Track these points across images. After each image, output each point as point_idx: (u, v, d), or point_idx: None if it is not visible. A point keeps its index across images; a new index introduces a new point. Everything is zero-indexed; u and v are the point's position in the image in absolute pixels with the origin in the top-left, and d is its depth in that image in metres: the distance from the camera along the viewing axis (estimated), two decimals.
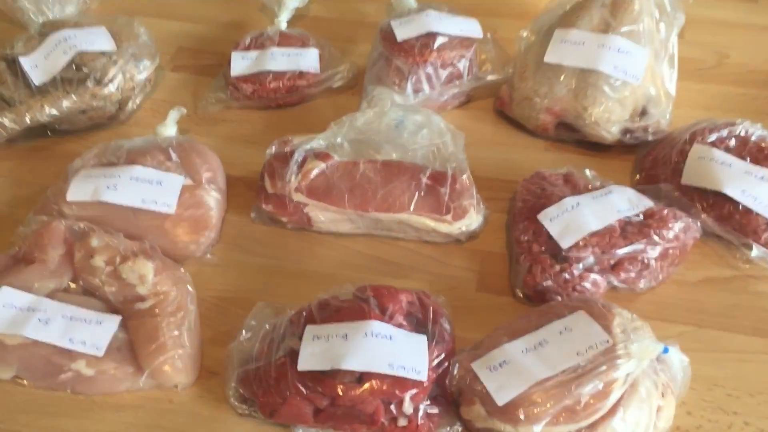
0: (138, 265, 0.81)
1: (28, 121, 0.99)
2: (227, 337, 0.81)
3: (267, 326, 0.79)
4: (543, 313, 0.77)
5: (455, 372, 0.74)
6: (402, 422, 0.71)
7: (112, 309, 0.81)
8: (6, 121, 0.99)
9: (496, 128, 1.07)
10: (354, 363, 0.71)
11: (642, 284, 0.85)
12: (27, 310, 0.78)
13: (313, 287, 0.86)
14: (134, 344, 0.78)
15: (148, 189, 0.89)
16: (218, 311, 0.85)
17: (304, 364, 0.72)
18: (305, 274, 0.89)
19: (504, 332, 0.76)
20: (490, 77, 1.07)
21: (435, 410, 0.73)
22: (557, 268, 0.83)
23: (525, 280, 0.84)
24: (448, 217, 0.89)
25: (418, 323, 0.77)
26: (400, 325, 0.75)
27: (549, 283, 0.83)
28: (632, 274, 0.84)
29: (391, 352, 0.72)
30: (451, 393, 0.74)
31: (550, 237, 0.85)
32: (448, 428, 0.73)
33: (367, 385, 0.71)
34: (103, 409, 0.76)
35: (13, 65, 1.03)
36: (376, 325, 0.74)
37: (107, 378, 0.76)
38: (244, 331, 0.79)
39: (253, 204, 0.94)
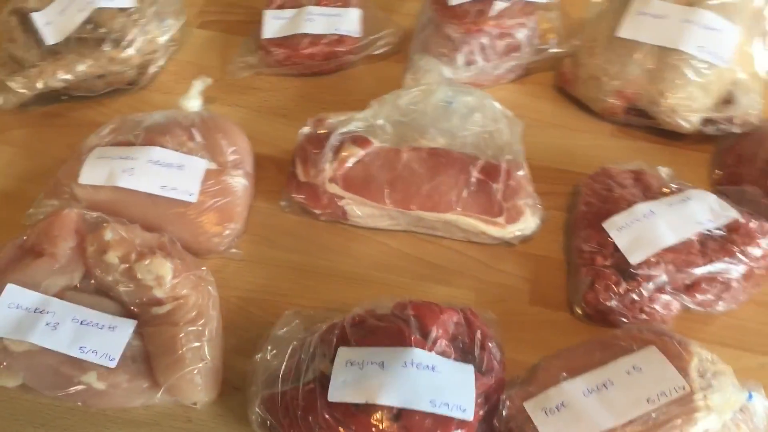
0: (155, 264, 0.73)
1: (40, 87, 0.90)
2: (252, 347, 0.73)
3: (295, 342, 0.71)
4: (607, 344, 0.68)
5: (505, 411, 0.65)
6: None
7: (126, 311, 0.73)
8: (16, 86, 0.90)
9: (555, 108, 0.96)
10: (392, 398, 0.63)
11: (720, 307, 0.75)
12: (34, 311, 0.71)
13: (346, 290, 0.79)
14: (150, 354, 0.70)
15: (168, 174, 0.80)
16: (243, 315, 0.77)
17: (336, 394, 0.64)
18: (338, 274, 0.81)
19: (561, 365, 0.67)
20: (552, 50, 0.95)
21: None
22: (624, 286, 0.73)
23: (586, 297, 0.75)
24: (501, 219, 0.79)
25: (464, 348, 0.69)
26: (443, 353, 0.67)
27: (613, 303, 0.73)
28: (710, 296, 0.74)
29: (434, 385, 0.64)
30: None
31: (616, 249, 0.75)
32: None
33: (405, 424, 0.63)
34: (116, 424, 0.70)
35: (26, 21, 0.93)
36: (418, 354, 0.65)
37: (120, 392, 0.69)
38: (270, 345, 0.71)
39: (284, 190, 0.85)
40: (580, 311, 0.76)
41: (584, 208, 0.80)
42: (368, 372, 0.65)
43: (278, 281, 0.80)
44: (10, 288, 0.72)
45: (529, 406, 0.64)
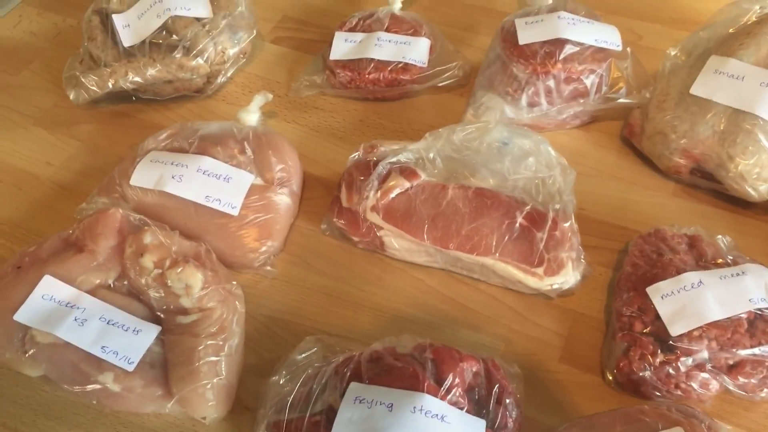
0: (186, 273, 0.73)
1: (110, 86, 0.93)
2: (270, 367, 0.73)
3: (310, 370, 0.70)
4: (632, 418, 0.64)
5: None
6: None
7: (153, 316, 0.74)
8: (89, 83, 0.94)
9: (619, 159, 0.92)
10: None
11: (764, 393, 0.69)
12: (66, 305, 0.73)
13: (373, 322, 0.78)
14: (168, 363, 0.71)
15: (215, 185, 0.81)
16: (267, 334, 0.77)
17: (340, 431, 0.63)
18: (368, 305, 0.80)
19: None
20: (621, 100, 0.91)
21: None
22: (661, 357, 0.69)
23: (619, 363, 0.71)
24: (540, 270, 0.76)
25: (479, 401, 0.66)
26: (456, 403, 0.65)
27: (647, 374, 0.69)
28: (754, 380, 0.69)
29: None
30: None
31: (658, 317, 0.71)
32: None
33: None
34: (127, 428, 0.71)
35: (106, 21, 0.97)
36: (428, 401, 0.63)
37: (133, 397, 0.70)
38: (285, 369, 0.70)
39: (326, 214, 0.85)
40: (611, 377, 0.72)
41: (629, 269, 0.76)
42: (376, 412, 0.63)
43: (307, 304, 0.80)
44: (47, 279, 0.74)
45: None
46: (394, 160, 0.82)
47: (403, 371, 0.66)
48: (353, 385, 0.66)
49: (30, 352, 0.71)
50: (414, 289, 0.81)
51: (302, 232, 0.85)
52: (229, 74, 0.99)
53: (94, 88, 0.93)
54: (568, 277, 0.76)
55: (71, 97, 0.96)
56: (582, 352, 0.75)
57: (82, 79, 0.94)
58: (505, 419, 0.65)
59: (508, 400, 0.66)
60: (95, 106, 0.98)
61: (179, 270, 0.73)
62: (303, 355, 0.73)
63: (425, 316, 0.79)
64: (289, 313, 0.79)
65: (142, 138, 0.92)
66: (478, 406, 0.66)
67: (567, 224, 0.78)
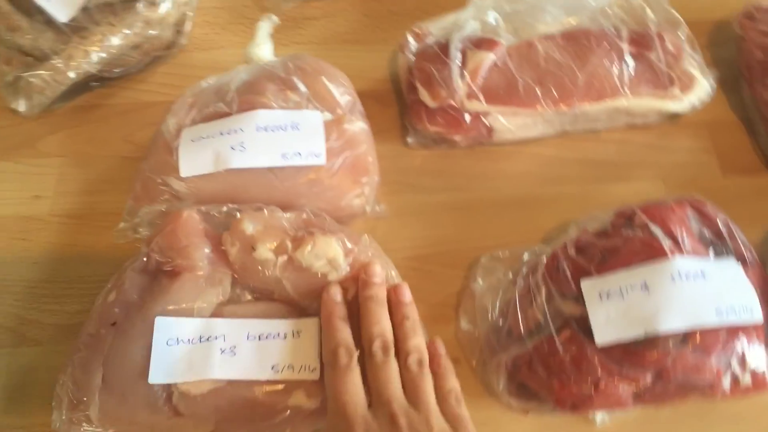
0: (321, 246, 0.60)
1: (74, 76, 0.73)
2: (445, 309, 0.63)
3: (502, 291, 0.61)
4: None
5: None
6: (746, 379, 0.55)
7: (299, 311, 0.61)
8: (41, 83, 0.72)
9: None
10: (674, 321, 0.54)
11: None
12: (201, 341, 0.58)
13: (521, 216, 0.69)
14: None
15: (285, 138, 0.66)
16: (421, 277, 0.66)
17: (604, 335, 0.55)
18: (503, 201, 0.70)
19: None
20: None
21: None
22: None
23: None
24: (675, 90, 0.69)
25: (713, 243, 0.59)
26: (700, 252, 0.58)
27: None
28: None
29: (711, 293, 0.55)
30: None
31: None
32: None
33: (699, 345, 0.54)
34: None
35: (19, 2, 0.75)
36: (683, 263, 0.56)
37: None
38: (468, 304, 0.60)
39: (410, 123, 0.72)
40: None
41: (760, 54, 0.70)
42: (633, 300, 0.55)
43: (441, 228, 0.69)
44: (161, 322, 0.58)
45: None
46: (463, 36, 0.70)
47: (630, 246, 0.58)
48: (584, 282, 0.57)
49: (189, 412, 0.56)
50: (539, 166, 0.72)
51: (386, 156, 0.72)
52: (191, 15, 0.81)
53: (55, 84, 0.73)
54: (703, 86, 0.70)
55: (22, 108, 0.74)
56: (739, 157, 0.71)
57: (31, 81, 0.72)
58: (741, 249, 0.59)
59: (735, 231, 0.60)
60: (50, 111, 0.77)
61: (309, 247, 0.60)
62: (482, 282, 0.63)
63: (567, 188, 0.70)
64: (428, 246, 0.68)
65: (133, 125, 0.75)
66: (715, 249, 0.59)
67: (675, 34, 0.70)
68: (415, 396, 0.51)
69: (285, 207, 0.64)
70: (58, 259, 0.67)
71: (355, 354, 0.53)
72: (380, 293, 0.57)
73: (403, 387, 0.52)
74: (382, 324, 0.55)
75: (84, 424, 0.55)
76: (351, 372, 0.52)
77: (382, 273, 0.59)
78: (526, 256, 0.63)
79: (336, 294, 0.57)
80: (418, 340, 0.55)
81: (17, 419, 0.58)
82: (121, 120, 0.76)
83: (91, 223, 0.70)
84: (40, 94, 0.73)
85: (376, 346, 0.53)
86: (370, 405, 0.52)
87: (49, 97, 0.74)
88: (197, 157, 0.65)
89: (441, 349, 0.57)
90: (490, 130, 0.70)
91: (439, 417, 0.51)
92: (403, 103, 0.76)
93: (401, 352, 0.54)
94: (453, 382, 0.54)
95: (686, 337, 0.54)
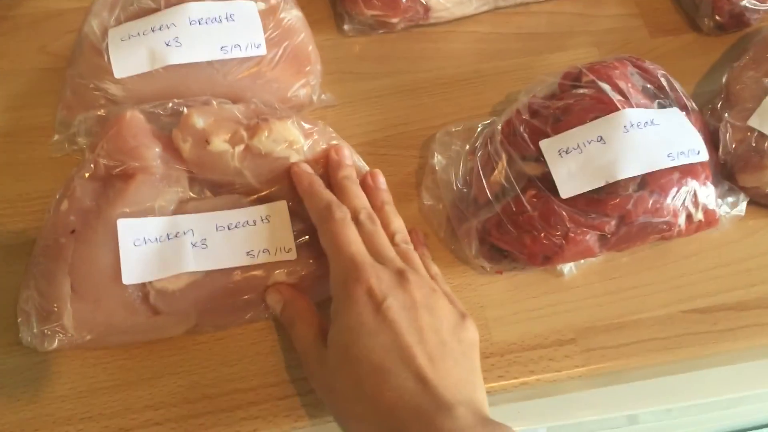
0: (278, 129, 0.58)
1: None
2: (405, 188, 0.64)
3: (462, 163, 0.62)
4: None
5: (728, 138, 0.61)
6: (699, 216, 0.59)
7: (262, 200, 0.60)
8: None
9: None
10: (631, 168, 0.57)
11: None
12: (169, 237, 0.56)
13: (467, 93, 0.70)
14: None
15: (222, 30, 0.64)
16: (375, 160, 0.65)
17: (568, 189, 0.57)
18: (447, 80, 0.70)
19: (751, 69, 0.63)
20: None
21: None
22: None
23: (717, 4, 0.69)
24: None
25: (655, 95, 0.62)
26: (646, 105, 0.60)
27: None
28: None
29: (662, 139, 0.58)
30: (721, 164, 0.62)
31: None
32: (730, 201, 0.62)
33: (654, 188, 0.57)
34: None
35: None
36: (633, 114, 0.58)
37: (315, 281, 0.57)
38: (437, 166, 0.62)
39: (345, 11, 0.71)
40: (711, 23, 0.71)
41: None
42: (591, 152, 0.58)
43: (389, 112, 0.68)
44: (123, 224, 0.56)
45: (754, 121, 0.60)
46: None
47: (581, 104, 0.60)
48: (543, 143, 0.59)
49: (168, 309, 0.55)
50: (477, 42, 0.72)
51: (324, 46, 0.70)
52: None
53: None
54: None
55: None
56: (665, 19, 0.74)
57: None
58: (682, 99, 0.63)
59: (674, 83, 0.63)
60: None
61: (266, 133, 0.58)
62: (440, 157, 0.63)
63: (508, 62, 0.71)
64: (381, 129, 0.68)
65: (46, 36, 0.72)
66: (658, 100, 0.62)
67: None
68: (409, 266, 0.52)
69: (231, 102, 0.63)
70: None
71: (348, 211, 0.53)
72: (353, 173, 0.57)
73: None
74: (361, 199, 0.55)
75: (59, 334, 0.53)
76: (350, 225, 0.52)
77: (350, 156, 0.59)
78: (480, 128, 0.64)
79: (307, 167, 0.57)
80: (399, 222, 0.56)
81: None
82: (32, 31, 0.71)
83: (19, 140, 0.65)
84: None
85: (363, 216, 0.53)
86: None
87: None
88: (130, 57, 0.62)
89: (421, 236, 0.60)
90: (426, 8, 0.70)
91: (434, 284, 0.51)
92: None
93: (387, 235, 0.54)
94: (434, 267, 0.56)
95: (643, 181, 0.57)
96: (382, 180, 0.59)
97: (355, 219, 0.53)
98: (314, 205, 0.54)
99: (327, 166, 0.59)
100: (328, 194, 0.55)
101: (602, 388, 0.58)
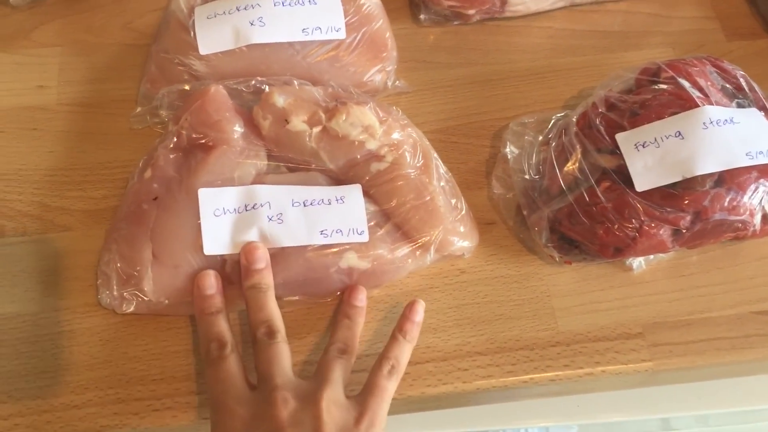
0: (356, 114, 0.60)
1: None
2: (475, 176, 0.64)
3: (535, 153, 0.63)
4: None
5: None
6: None
7: (335, 179, 0.61)
8: None
9: None
10: (709, 164, 0.56)
11: None
12: (245, 209, 0.57)
13: (539, 87, 0.70)
14: (393, 215, 0.59)
15: (304, 13, 0.65)
16: (446, 147, 0.66)
17: (643, 182, 0.57)
18: (520, 74, 0.71)
19: None
20: None
21: None
22: None
23: None
24: None
25: (734, 95, 0.62)
26: (724, 103, 0.60)
27: None
28: None
29: (741, 137, 0.58)
30: None
31: None
32: None
33: (731, 186, 0.56)
34: (395, 301, 0.59)
35: None
36: (713, 111, 0.58)
37: (387, 265, 0.58)
38: (510, 156, 0.62)
39: (408, 1, 0.72)
40: None
41: None
42: (668, 147, 0.57)
43: (462, 102, 0.69)
44: (204, 193, 0.57)
45: None
46: None
47: (660, 99, 0.60)
48: (619, 136, 0.59)
49: (239, 278, 0.56)
50: (551, 39, 0.73)
51: (399, 34, 0.71)
52: None
53: None
54: None
55: None
56: (741, 23, 0.74)
57: None
58: (761, 100, 0.62)
59: (753, 84, 0.63)
60: (40, 1, 0.73)
61: (344, 116, 0.60)
62: (511, 147, 0.64)
63: (581, 58, 0.72)
64: (452, 118, 0.68)
65: (131, 13, 0.74)
66: (737, 100, 0.62)
67: None
68: (321, 373, 0.51)
69: (309, 83, 0.64)
70: (74, 147, 0.65)
71: (229, 344, 0.52)
72: (263, 280, 0.54)
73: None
74: (266, 310, 0.53)
75: (137, 297, 0.55)
76: (223, 361, 0.51)
77: (263, 257, 0.55)
78: (553, 120, 0.64)
79: (205, 288, 0.54)
80: (342, 333, 0.55)
81: (58, 301, 0.57)
82: (117, 7, 0.74)
83: (102, 111, 0.67)
84: None
85: (261, 332, 0.52)
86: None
87: None
88: (216, 34, 0.64)
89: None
90: (503, 2, 0.70)
91: (337, 387, 0.50)
92: None
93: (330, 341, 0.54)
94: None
95: (720, 179, 0.56)
96: (360, 297, 0.57)
97: (254, 336, 0.52)
98: (201, 340, 0.53)
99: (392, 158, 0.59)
100: (212, 328, 0.53)
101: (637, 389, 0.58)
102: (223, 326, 0.53)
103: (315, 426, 0.47)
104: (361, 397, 0.51)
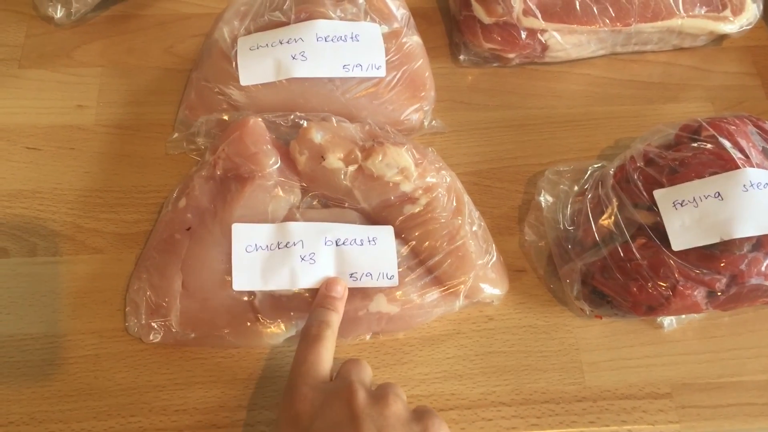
0: (392, 155, 0.60)
1: None
2: (507, 222, 0.64)
3: (570, 203, 0.62)
4: None
5: None
6: None
7: (368, 219, 0.61)
8: None
9: None
10: (748, 228, 0.56)
11: None
12: (278, 247, 0.57)
13: (576, 134, 0.70)
14: (425, 258, 0.59)
15: (346, 49, 0.65)
16: (479, 191, 0.66)
17: (680, 242, 0.56)
18: (557, 120, 0.71)
19: None
20: None
21: None
22: None
23: None
24: (727, 12, 0.70)
25: None
26: (764, 165, 0.59)
27: None
28: None
29: None
30: None
31: None
32: None
33: None
34: (422, 345, 0.59)
35: None
36: (753, 174, 0.57)
37: (415, 310, 0.58)
38: (544, 204, 0.62)
39: (462, 40, 0.72)
40: None
41: None
42: (707, 207, 0.57)
43: (497, 145, 0.69)
44: (238, 229, 0.57)
45: None
46: None
47: (700, 158, 0.59)
48: (657, 192, 0.58)
49: (268, 314, 0.56)
50: (589, 86, 0.73)
51: (437, 73, 0.71)
52: None
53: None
54: (752, 10, 0.71)
55: (58, 15, 0.71)
56: None
57: None
58: None
59: None
60: (83, 21, 0.74)
61: (380, 156, 0.60)
62: (545, 195, 0.64)
63: (619, 108, 0.71)
64: (487, 161, 0.68)
65: (173, 37, 0.74)
66: None
67: None
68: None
69: (347, 119, 0.64)
70: (110, 169, 0.65)
71: (332, 328, 0.52)
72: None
73: None
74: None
75: (164, 328, 0.55)
76: (319, 341, 0.51)
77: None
78: (590, 170, 0.64)
79: (336, 291, 0.55)
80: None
81: (86, 324, 0.57)
82: (160, 31, 0.74)
83: (139, 134, 0.68)
84: (66, 6, 0.70)
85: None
86: None
87: (89, 4, 0.71)
88: (257, 66, 0.64)
89: None
90: (544, 47, 0.70)
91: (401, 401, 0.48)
92: (449, 21, 0.75)
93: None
94: None
95: (759, 243, 0.56)
96: None
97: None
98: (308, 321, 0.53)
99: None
100: (326, 315, 0.53)
101: None
102: (334, 319, 0.53)
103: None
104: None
